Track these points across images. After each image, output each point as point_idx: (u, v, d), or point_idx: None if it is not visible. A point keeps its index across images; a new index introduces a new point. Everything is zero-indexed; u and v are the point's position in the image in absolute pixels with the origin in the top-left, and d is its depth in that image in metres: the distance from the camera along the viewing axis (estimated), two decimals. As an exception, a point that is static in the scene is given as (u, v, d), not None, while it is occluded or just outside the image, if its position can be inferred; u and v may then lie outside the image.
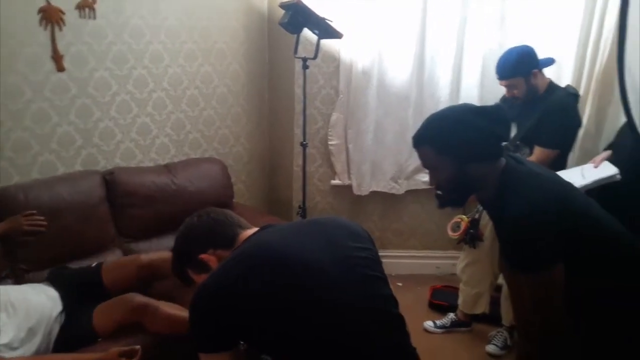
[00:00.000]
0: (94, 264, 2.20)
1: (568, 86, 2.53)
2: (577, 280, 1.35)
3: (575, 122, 2.46)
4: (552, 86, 2.47)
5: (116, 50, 2.58)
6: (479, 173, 1.41)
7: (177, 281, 1.39)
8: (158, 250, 2.26)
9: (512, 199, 1.36)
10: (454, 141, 1.38)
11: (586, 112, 2.84)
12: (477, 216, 2.52)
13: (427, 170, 1.51)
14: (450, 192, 1.46)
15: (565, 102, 2.40)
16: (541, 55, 2.46)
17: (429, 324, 2.84)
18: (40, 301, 1.93)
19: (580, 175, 2.15)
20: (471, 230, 2.52)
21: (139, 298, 1.94)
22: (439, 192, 1.49)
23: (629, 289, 1.38)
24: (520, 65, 2.37)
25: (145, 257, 2.15)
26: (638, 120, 1.02)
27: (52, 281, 2.09)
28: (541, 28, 2.86)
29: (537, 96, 2.42)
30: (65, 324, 1.96)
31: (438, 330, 2.82)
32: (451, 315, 2.85)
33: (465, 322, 2.80)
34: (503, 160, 1.43)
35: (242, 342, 1.19)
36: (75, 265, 2.29)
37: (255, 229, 1.32)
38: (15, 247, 2.16)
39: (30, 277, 2.19)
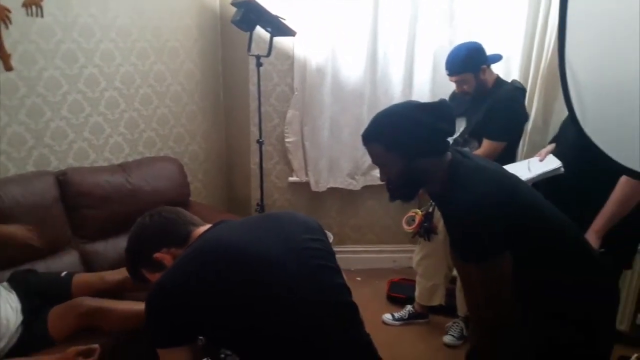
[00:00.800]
0: (63, 274, 2.15)
1: (514, 81, 2.62)
2: (524, 272, 1.41)
3: (521, 115, 2.55)
4: (499, 81, 2.55)
5: (65, 49, 2.53)
6: (426, 168, 1.45)
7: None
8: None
9: (459, 192, 1.41)
10: (401, 138, 1.43)
11: (534, 107, 2.98)
12: (430, 209, 2.59)
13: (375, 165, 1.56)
14: (400, 186, 1.51)
15: (511, 95, 2.48)
16: (489, 51, 2.54)
17: (387, 316, 2.91)
18: (5, 315, 1.89)
19: (527, 168, 2.22)
20: (425, 224, 2.58)
21: (89, 302, 1.93)
22: (389, 186, 1.53)
23: (574, 281, 1.44)
24: (469, 61, 2.43)
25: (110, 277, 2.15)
26: (579, 112, 1.09)
27: (15, 287, 2.03)
28: (489, 25, 2.98)
29: (486, 91, 2.49)
30: (23, 331, 1.92)
31: (396, 322, 2.89)
32: (409, 307, 2.93)
33: (423, 314, 2.89)
34: (449, 155, 1.48)
35: (200, 337, 1.21)
36: (36, 267, 2.25)
37: (208, 226, 1.33)
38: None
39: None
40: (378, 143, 1.47)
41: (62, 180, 2.46)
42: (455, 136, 2.51)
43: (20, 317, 1.94)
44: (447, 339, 2.71)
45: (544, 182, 2.15)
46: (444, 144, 1.48)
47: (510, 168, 1.88)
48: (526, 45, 2.97)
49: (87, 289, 2.09)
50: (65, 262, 2.38)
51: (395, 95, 3.16)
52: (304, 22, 2.97)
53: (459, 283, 2.67)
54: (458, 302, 2.74)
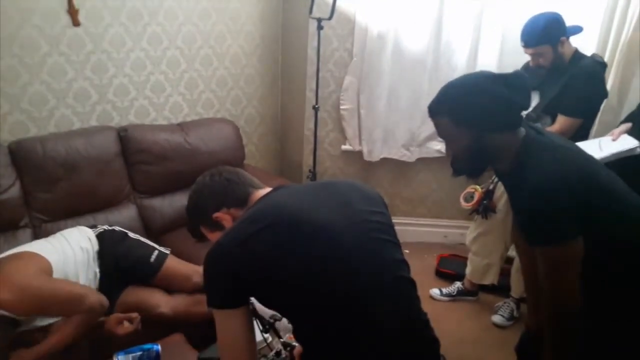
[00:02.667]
0: (153, 257, 2.05)
1: (594, 55, 2.45)
2: (595, 260, 1.33)
3: (601, 90, 2.39)
4: (578, 55, 2.38)
5: (131, 7, 2.57)
6: (497, 144, 1.38)
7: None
8: None
9: (532, 170, 1.33)
10: (472, 111, 1.35)
11: (609, 84, 2.78)
12: (491, 187, 2.49)
13: (440, 138, 1.48)
14: (467, 162, 1.43)
15: (592, 70, 2.32)
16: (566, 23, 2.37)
17: (435, 291, 2.87)
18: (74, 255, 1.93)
19: (598, 147, 2.09)
20: (485, 202, 2.49)
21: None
22: (454, 162, 1.46)
23: None
24: (548, 33, 2.28)
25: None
26: None
27: (102, 253, 2.01)
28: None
29: (563, 65, 2.34)
30: None
31: (444, 298, 2.85)
32: (458, 284, 2.88)
33: (472, 292, 2.83)
34: (523, 131, 1.40)
35: (251, 302, 1.21)
36: (96, 219, 2.36)
37: (268, 189, 1.32)
38: (32, 197, 2.22)
39: (48, 227, 2.26)
40: (445, 116, 1.39)
41: (123, 136, 2.53)
42: (528, 111, 2.38)
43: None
44: (496, 318, 2.66)
45: (617, 163, 2.01)
46: (518, 118, 1.39)
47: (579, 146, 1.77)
48: (606, 18, 2.75)
49: (174, 279, 2.04)
50: (123, 216, 2.48)
51: (459, 65, 3.03)
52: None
53: (516, 263, 2.60)
54: (513, 283, 2.67)
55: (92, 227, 2.12)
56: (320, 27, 2.72)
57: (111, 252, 2.03)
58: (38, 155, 2.23)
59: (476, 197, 2.48)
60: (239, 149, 2.94)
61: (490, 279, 2.73)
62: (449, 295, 2.86)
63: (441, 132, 1.44)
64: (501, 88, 1.34)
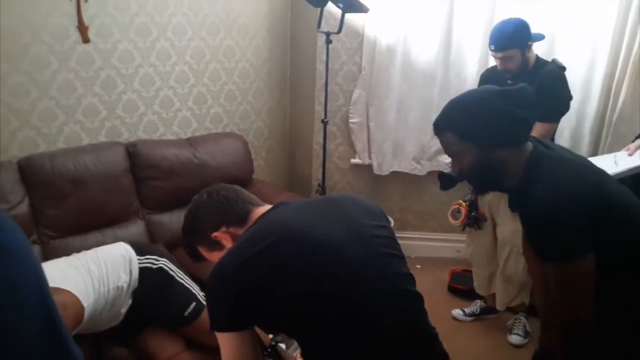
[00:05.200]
0: (188, 311, 1.88)
1: (555, 59, 2.47)
2: (607, 275, 1.30)
3: (569, 93, 2.42)
4: (540, 61, 2.42)
5: (139, 23, 2.58)
6: (503, 159, 1.35)
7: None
8: None
9: (539, 187, 1.30)
10: (478, 126, 1.33)
11: (621, 96, 2.76)
12: (473, 198, 2.50)
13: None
14: (474, 179, 1.42)
15: (559, 74, 2.36)
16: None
17: (457, 312, 2.82)
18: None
19: (614, 162, 2.07)
20: (472, 213, 2.51)
21: None
22: (461, 177, 1.45)
23: None
24: (517, 37, 2.30)
25: None
26: None
27: (138, 294, 1.87)
28: (576, 7, 2.75)
29: (527, 70, 2.36)
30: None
31: (467, 318, 2.80)
32: (479, 302, 2.82)
33: (494, 309, 2.76)
34: (530, 145, 1.38)
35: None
36: (104, 235, 2.33)
37: (268, 206, 1.30)
38: (40, 214, 2.21)
39: (56, 244, 2.25)
40: (451, 131, 1.38)
41: (132, 151, 2.53)
42: None
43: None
44: (513, 339, 2.59)
45: (631, 178, 1.98)
46: (523, 134, 1.37)
47: (594, 161, 1.73)
48: (617, 30, 2.72)
49: (201, 334, 1.86)
50: (132, 232, 2.46)
51: (469, 78, 3.00)
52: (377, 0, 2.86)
53: (498, 274, 2.59)
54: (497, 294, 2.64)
55: (141, 252, 1.96)
56: (328, 41, 2.71)
57: (149, 297, 1.88)
58: (47, 171, 2.23)
59: (463, 211, 2.49)
60: (247, 163, 2.93)
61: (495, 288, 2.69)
62: (472, 314, 2.80)
63: (447, 148, 1.43)
64: (505, 103, 1.33)
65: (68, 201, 2.26)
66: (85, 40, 2.42)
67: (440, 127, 1.41)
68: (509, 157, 1.36)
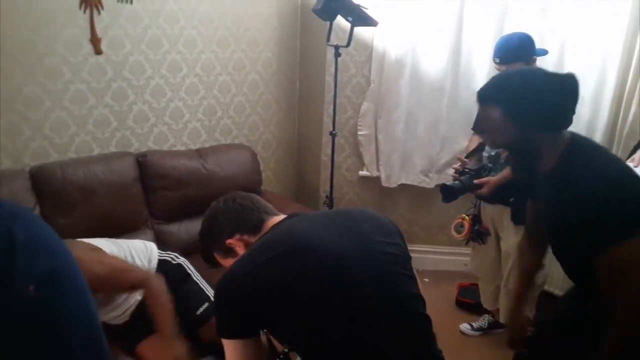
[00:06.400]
0: (202, 309, 1.93)
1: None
2: None
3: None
4: None
5: (151, 35, 2.62)
6: (541, 143, 1.34)
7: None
8: None
9: (588, 168, 1.30)
10: (527, 107, 1.31)
11: (632, 110, 2.73)
12: (476, 212, 2.49)
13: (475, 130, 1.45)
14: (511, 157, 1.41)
15: None
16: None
17: (465, 326, 2.79)
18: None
19: None
20: (475, 227, 2.49)
21: None
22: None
23: None
24: (522, 50, 2.30)
25: None
26: None
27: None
28: (586, 19, 2.75)
29: None
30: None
31: (476, 333, 2.76)
32: (487, 316, 2.78)
33: (502, 323, 2.72)
34: (568, 133, 1.37)
35: (264, 331, 1.18)
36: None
37: (282, 216, 1.30)
38: (51, 222, 2.23)
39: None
40: (497, 105, 1.34)
41: (142, 161, 2.55)
42: None
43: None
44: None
45: None
46: (567, 121, 1.35)
47: None
48: (627, 42, 2.71)
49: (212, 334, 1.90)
50: (141, 241, 2.47)
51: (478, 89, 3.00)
52: (386, 12, 2.88)
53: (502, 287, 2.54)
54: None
55: (163, 248, 2.04)
56: (337, 55, 2.73)
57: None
58: (57, 180, 2.26)
59: (466, 225, 2.47)
60: (256, 174, 2.94)
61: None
62: (480, 329, 2.76)
63: (486, 121, 1.38)
64: (556, 88, 1.31)
65: (78, 210, 2.28)
66: (98, 51, 2.46)
67: (487, 98, 1.37)
68: (547, 141, 1.34)
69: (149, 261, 1.94)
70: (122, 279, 1.67)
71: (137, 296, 1.89)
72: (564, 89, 1.31)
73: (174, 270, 1.97)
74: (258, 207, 1.31)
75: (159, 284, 1.73)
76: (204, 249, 1.36)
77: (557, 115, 1.32)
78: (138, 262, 1.90)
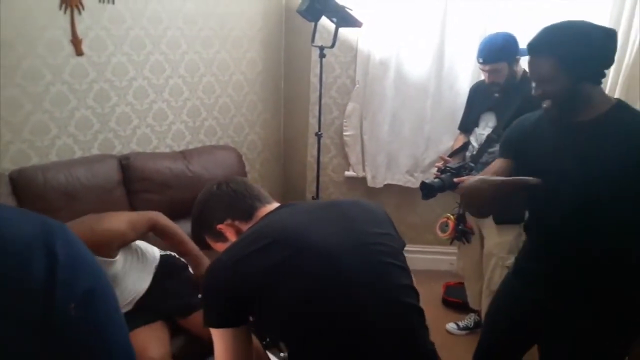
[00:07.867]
0: (193, 300, 1.98)
1: None
2: None
3: None
4: (527, 75, 2.39)
5: (134, 36, 2.58)
6: (589, 93, 1.36)
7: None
8: None
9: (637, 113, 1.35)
10: (581, 57, 1.32)
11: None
12: (460, 211, 2.50)
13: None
14: (554, 106, 1.39)
15: None
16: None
17: (451, 326, 2.80)
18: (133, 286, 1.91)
19: None
20: (460, 226, 2.50)
21: None
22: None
23: None
24: (505, 50, 2.32)
25: None
26: None
27: (157, 274, 1.97)
28: (568, 19, 2.78)
29: (514, 85, 2.37)
30: None
31: (462, 332, 2.78)
32: (473, 315, 2.80)
33: None
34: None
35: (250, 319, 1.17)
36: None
37: (275, 205, 1.30)
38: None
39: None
40: (551, 55, 1.34)
41: (125, 164, 2.52)
42: (488, 132, 2.41)
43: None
44: None
45: None
46: (604, 73, 1.38)
47: None
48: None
49: (196, 328, 1.95)
50: (125, 245, 2.44)
51: (462, 91, 3.02)
52: (370, 13, 2.89)
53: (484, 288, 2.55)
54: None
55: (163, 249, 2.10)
56: (322, 55, 2.72)
57: (165, 278, 1.98)
58: (39, 184, 2.21)
59: (450, 224, 2.47)
60: (241, 175, 2.92)
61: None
62: (466, 328, 2.78)
63: (538, 71, 1.39)
64: (605, 40, 1.34)
65: (60, 214, 2.23)
66: (79, 53, 2.42)
67: (539, 48, 1.37)
68: (593, 92, 1.37)
69: (154, 256, 2.02)
70: (138, 226, 1.80)
71: (144, 284, 1.93)
72: (610, 39, 1.34)
73: (176, 259, 2.06)
74: (251, 194, 1.30)
75: (165, 217, 1.91)
76: (195, 232, 1.37)
77: (604, 66, 1.36)
78: (148, 249, 2.00)
